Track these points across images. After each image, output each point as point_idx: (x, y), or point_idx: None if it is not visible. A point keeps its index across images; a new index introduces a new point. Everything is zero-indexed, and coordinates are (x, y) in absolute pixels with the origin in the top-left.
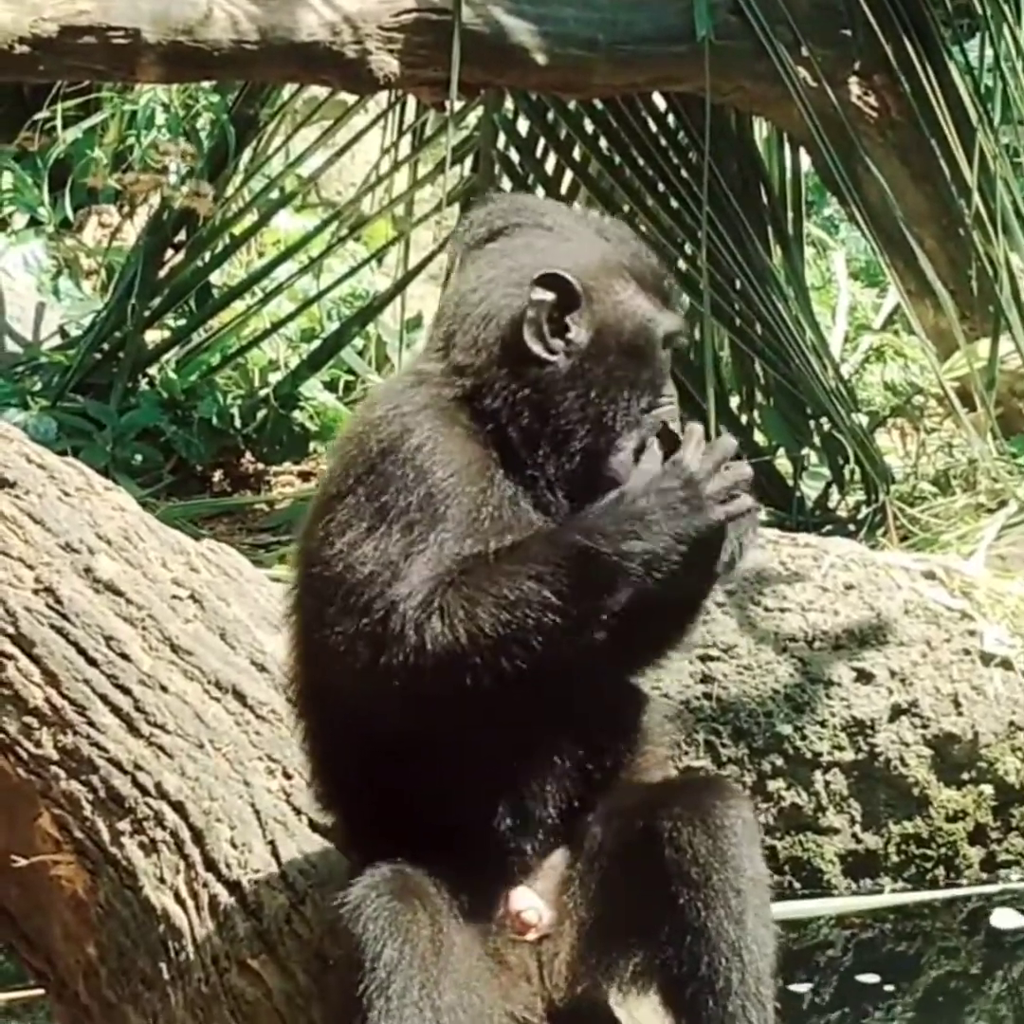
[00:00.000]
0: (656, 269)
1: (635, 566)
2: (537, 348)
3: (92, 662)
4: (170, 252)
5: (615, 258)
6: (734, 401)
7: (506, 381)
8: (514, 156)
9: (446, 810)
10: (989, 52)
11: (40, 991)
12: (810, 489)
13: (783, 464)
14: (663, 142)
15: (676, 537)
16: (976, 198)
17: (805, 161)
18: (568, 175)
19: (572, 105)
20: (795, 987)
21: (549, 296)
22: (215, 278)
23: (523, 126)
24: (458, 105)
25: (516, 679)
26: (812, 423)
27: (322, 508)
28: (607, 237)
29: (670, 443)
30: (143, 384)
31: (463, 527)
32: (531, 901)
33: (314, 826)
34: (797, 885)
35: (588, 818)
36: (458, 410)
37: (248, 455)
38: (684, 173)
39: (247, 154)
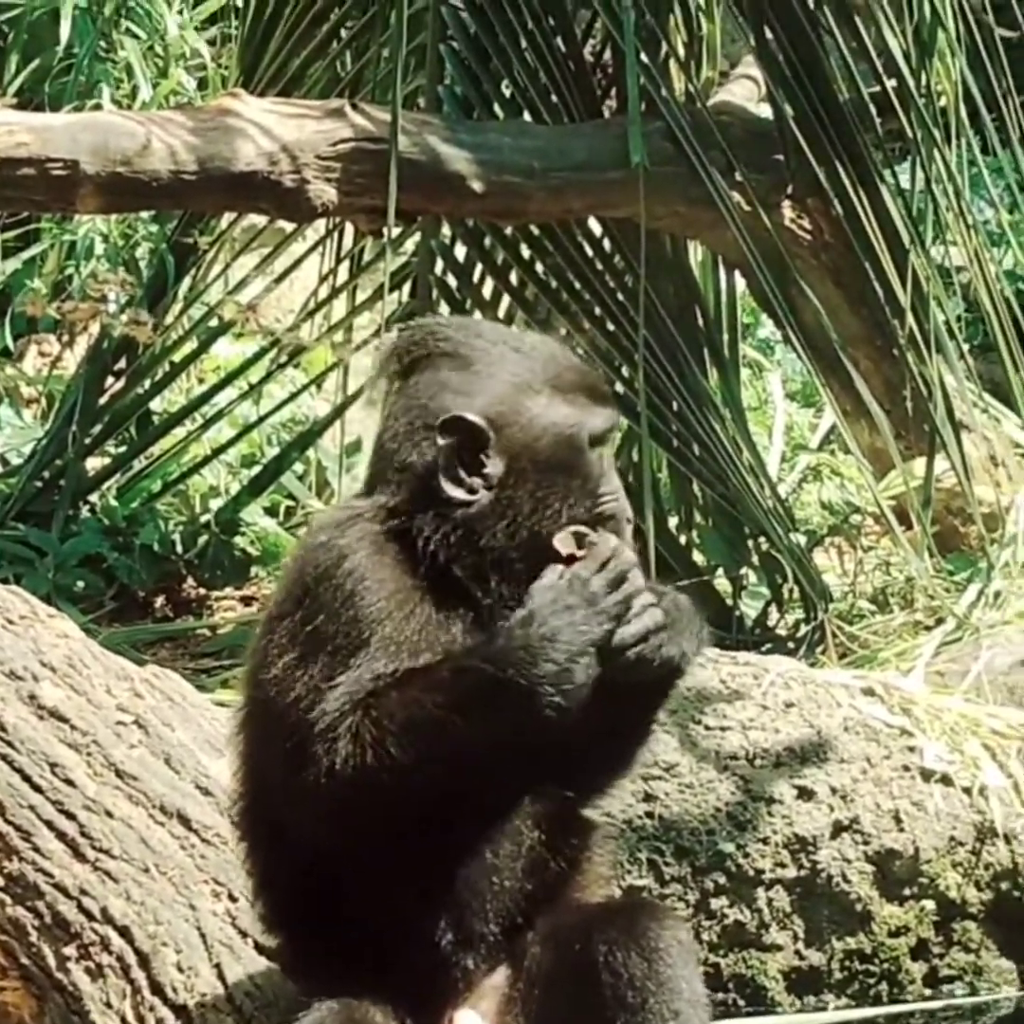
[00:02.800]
0: (577, 370)
1: (546, 689)
2: (456, 492)
3: (37, 788)
4: (110, 380)
5: (526, 375)
6: (672, 521)
7: (434, 522)
8: (452, 281)
9: (385, 928)
10: (919, 174)
11: None
12: (749, 608)
13: (722, 584)
14: (599, 266)
15: (580, 654)
16: (910, 318)
17: (740, 284)
18: (506, 300)
19: (509, 231)
20: None
21: (456, 439)
22: (155, 405)
23: (460, 252)
24: (396, 232)
25: (438, 800)
26: (750, 543)
27: (263, 631)
28: (522, 350)
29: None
30: (84, 511)
31: (385, 652)
32: (474, 1022)
33: (260, 948)
34: (741, 1002)
35: (529, 936)
36: (389, 541)
37: (190, 580)
38: (620, 296)
39: (186, 282)
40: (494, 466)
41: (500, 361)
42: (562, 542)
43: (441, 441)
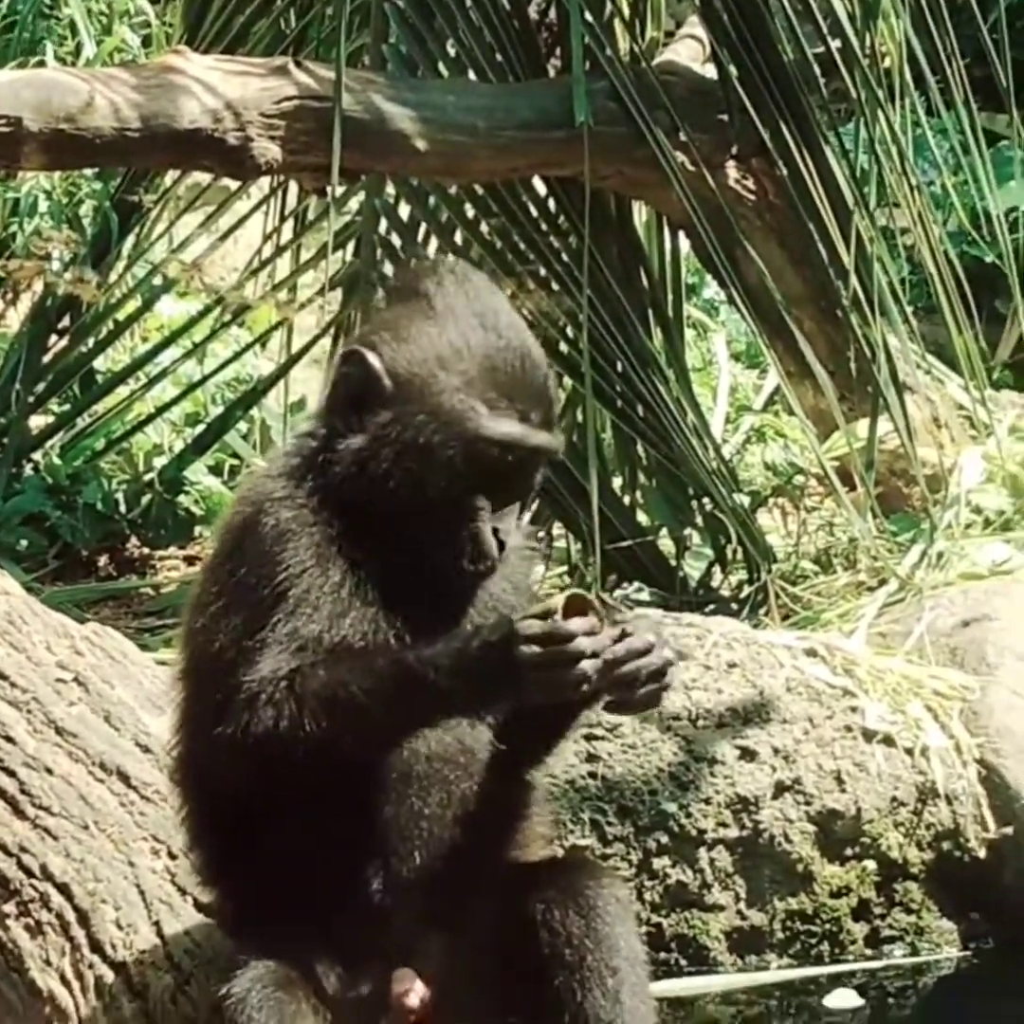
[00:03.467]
0: (525, 382)
1: (475, 701)
2: (337, 421)
3: None
4: (54, 338)
5: (468, 352)
6: (617, 482)
7: (322, 451)
8: (396, 241)
9: (316, 882)
10: (864, 135)
11: None
12: (693, 569)
13: (666, 544)
14: (543, 226)
15: (492, 696)
16: (853, 280)
17: (684, 244)
18: (450, 259)
19: (453, 190)
20: None
21: (352, 374)
22: (99, 364)
23: (405, 211)
24: (340, 191)
25: (354, 760)
26: (694, 503)
27: (197, 584)
28: (487, 327)
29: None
30: (27, 470)
31: (305, 607)
32: (411, 983)
33: (198, 905)
34: (683, 962)
35: (467, 897)
36: (309, 482)
37: (133, 540)
38: (565, 257)
39: (130, 240)
40: (380, 416)
41: (454, 326)
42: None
43: (340, 369)
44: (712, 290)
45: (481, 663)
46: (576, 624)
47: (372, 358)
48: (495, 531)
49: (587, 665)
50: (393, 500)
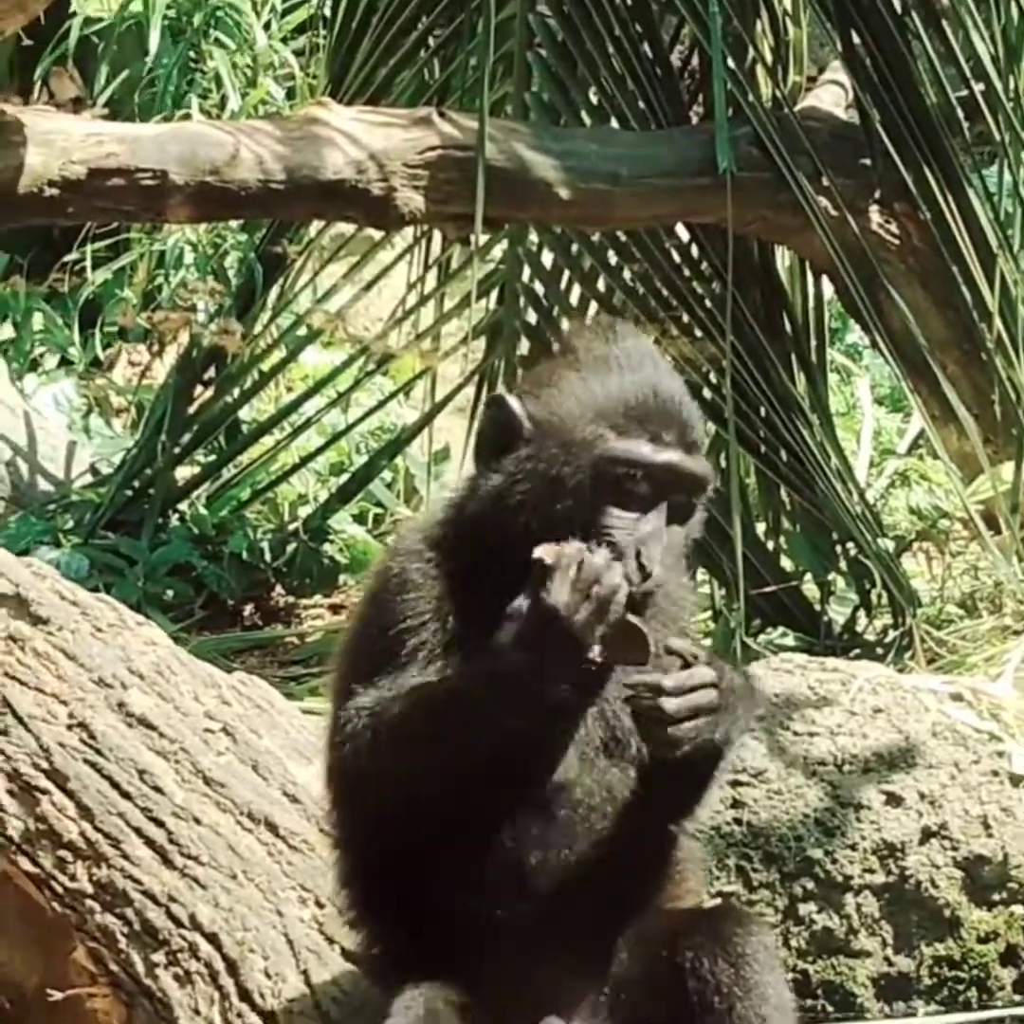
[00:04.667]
0: (650, 401)
1: (512, 716)
2: (479, 465)
3: (126, 795)
4: (199, 389)
5: (601, 387)
6: (760, 528)
7: (463, 497)
8: (539, 288)
9: (464, 930)
10: (1008, 178)
11: None
12: (837, 614)
13: (810, 589)
14: (686, 272)
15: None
16: (997, 323)
17: (828, 289)
18: (593, 307)
19: (596, 237)
20: None
21: (494, 415)
22: (244, 414)
23: (548, 258)
24: (483, 239)
25: (466, 803)
26: (838, 548)
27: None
28: (622, 365)
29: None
30: (174, 520)
31: (415, 660)
32: None
33: (346, 954)
34: (830, 1009)
35: (614, 944)
36: (440, 535)
37: (278, 589)
38: (707, 303)
39: (274, 291)
40: (517, 454)
41: (593, 369)
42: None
43: (484, 415)
44: (855, 334)
45: (510, 665)
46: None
47: (512, 401)
48: (637, 555)
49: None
50: (525, 534)
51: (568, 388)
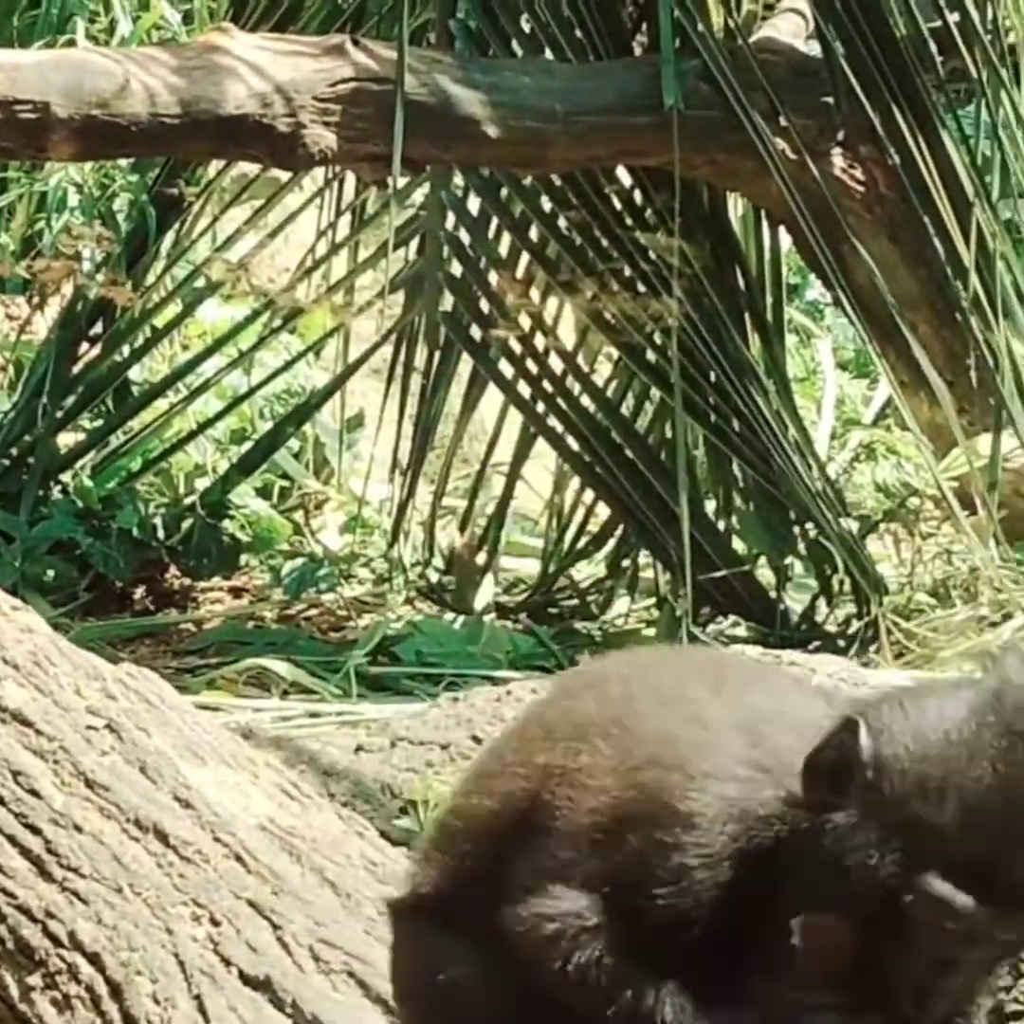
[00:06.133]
0: (1002, 848)
1: None
2: (804, 793)
3: None
4: (85, 347)
5: (968, 807)
6: (710, 506)
7: (778, 806)
8: (465, 237)
9: None
10: (985, 119)
11: None
12: (795, 602)
13: (765, 574)
14: (628, 221)
15: None
16: (974, 279)
17: (785, 240)
18: (525, 258)
19: (528, 181)
20: None
21: (838, 742)
22: (134, 375)
23: (474, 204)
24: (402, 182)
25: None
26: (796, 529)
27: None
28: (1008, 782)
29: None
30: (56, 492)
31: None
32: None
33: (245, 978)
34: None
35: None
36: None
37: (172, 570)
38: (652, 255)
39: (169, 238)
40: (843, 801)
41: (974, 734)
42: (798, 927)
43: (833, 732)
44: (816, 291)
45: None
46: None
47: (866, 738)
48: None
49: None
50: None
51: (936, 743)
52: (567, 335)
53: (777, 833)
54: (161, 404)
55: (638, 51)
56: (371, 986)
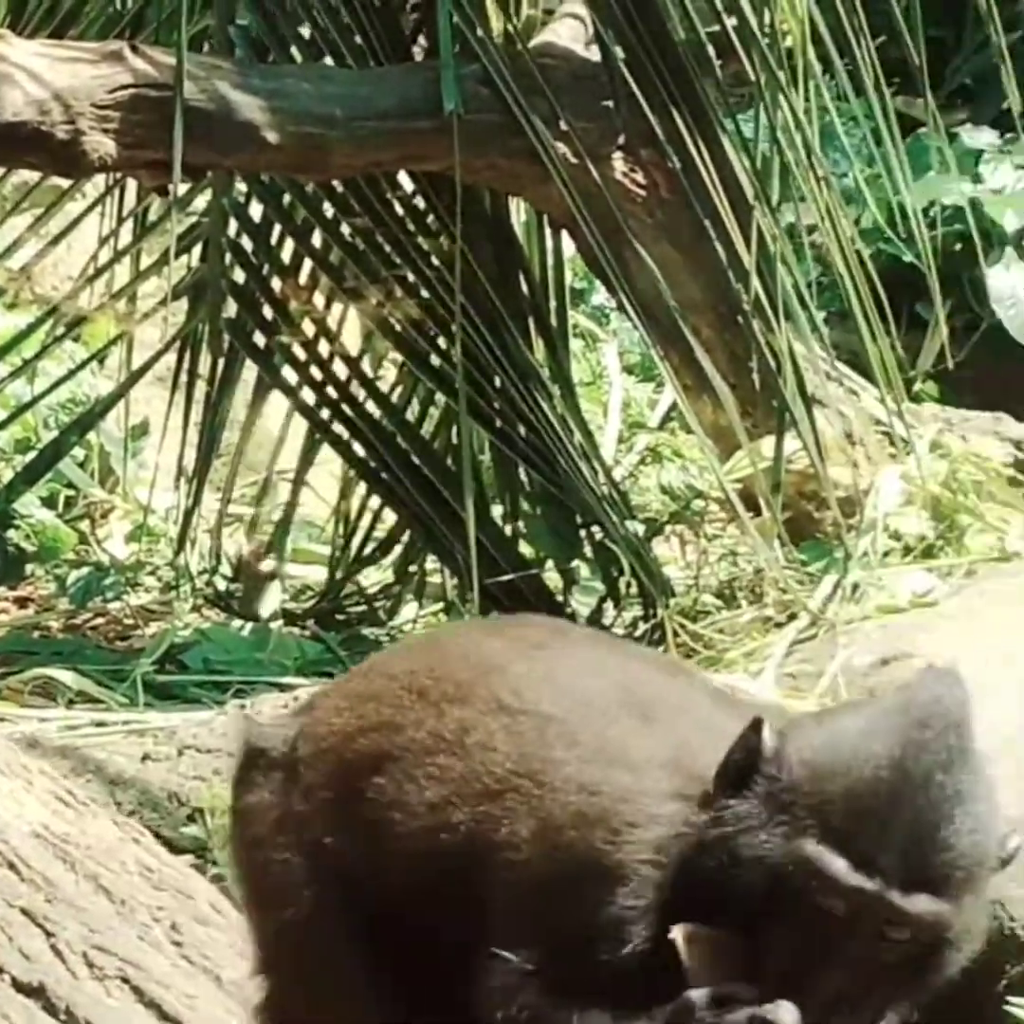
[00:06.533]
0: (884, 830)
1: None
2: (713, 791)
3: None
4: None
5: (858, 790)
6: (497, 510)
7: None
8: (247, 244)
9: None
10: (765, 124)
11: None
12: (582, 605)
13: (552, 577)
14: (411, 227)
15: None
16: (755, 283)
17: (568, 245)
18: (308, 264)
19: (310, 187)
20: None
21: (746, 741)
22: None
23: (256, 211)
24: (183, 189)
25: None
26: (583, 532)
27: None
28: (899, 772)
29: None
30: None
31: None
32: None
33: (17, 985)
34: None
35: None
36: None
37: None
38: (435, 260)
39: None
40: (747, 795)
41: (883, 738)
42: (682, 939)
43: (741, 733)
44: (602, 296)
45: None
46: None
47: (768, 735)
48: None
49: None
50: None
51: (846, 744)
52: (351, 341)
53: (701, 852)
54: None
55: (418, 56)
56: (145, 991)
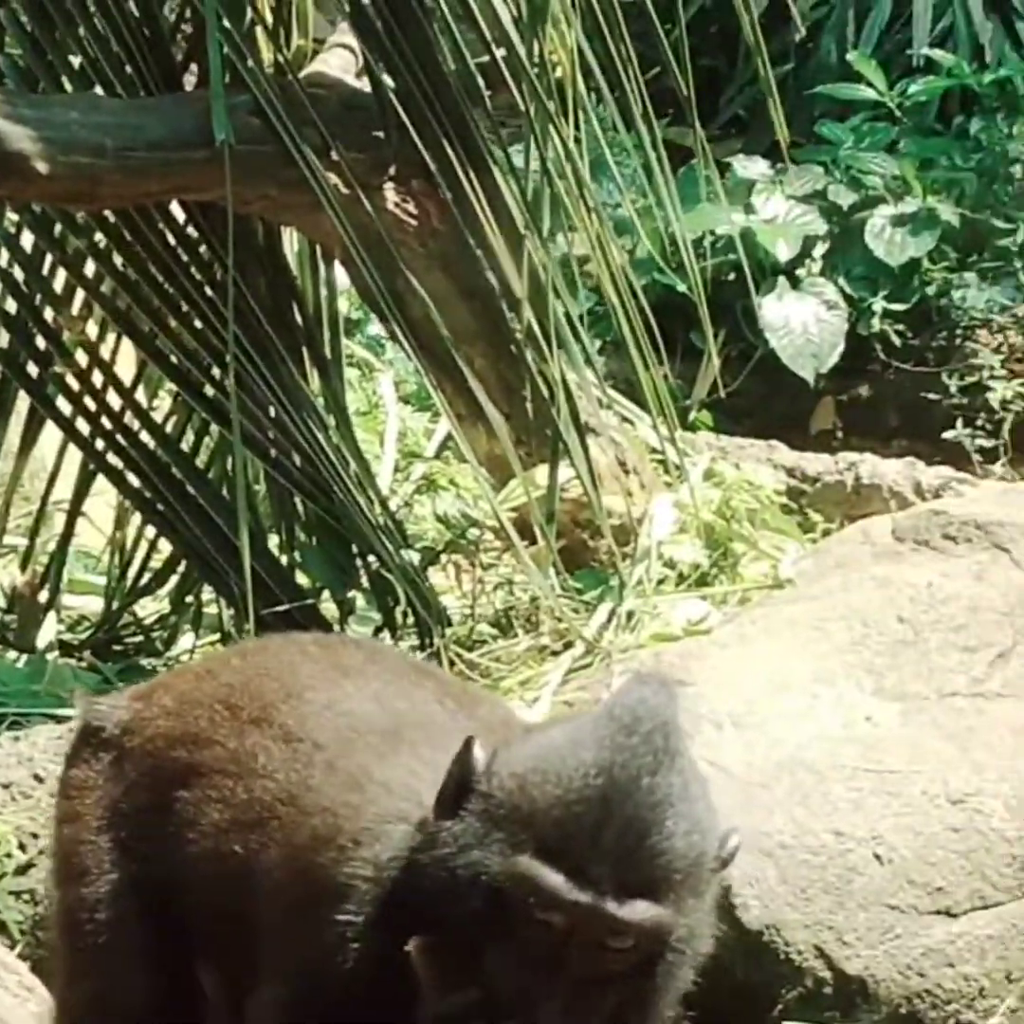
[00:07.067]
0: (596, 837)
1: None
2: (434, 812)
3: None
4: None
5: (567, 799)
6: (273, 540)
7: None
8: (18, 274)
9: None
10: (535, 154)
11: None
12: (358, 635)
13: (329, 607)
14: (184, 257)
15: None
16: (527, 312)
17: (342, 275)
18: (80, 294)
19: (81, 217)
20: None
21: (461, 760)
22: None
23: (27, 241)
24: None
25: None
26: (359, 562)
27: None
28: (606, 777)
29: None
30: None
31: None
32: None
33: None
34: None
35: None
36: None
37: None
38: (208, 290)
39: None
40: (458, 815)
41: (586, 753)
42: (415, 951)
43: (460, 752)
44: (377, 326)
45: None
46: None
47: (479, 752)
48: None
49: None
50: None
51: (533, 754)
52: (126, 371)
53: (423, 872)
54: None
55: (190, 86)
56: None
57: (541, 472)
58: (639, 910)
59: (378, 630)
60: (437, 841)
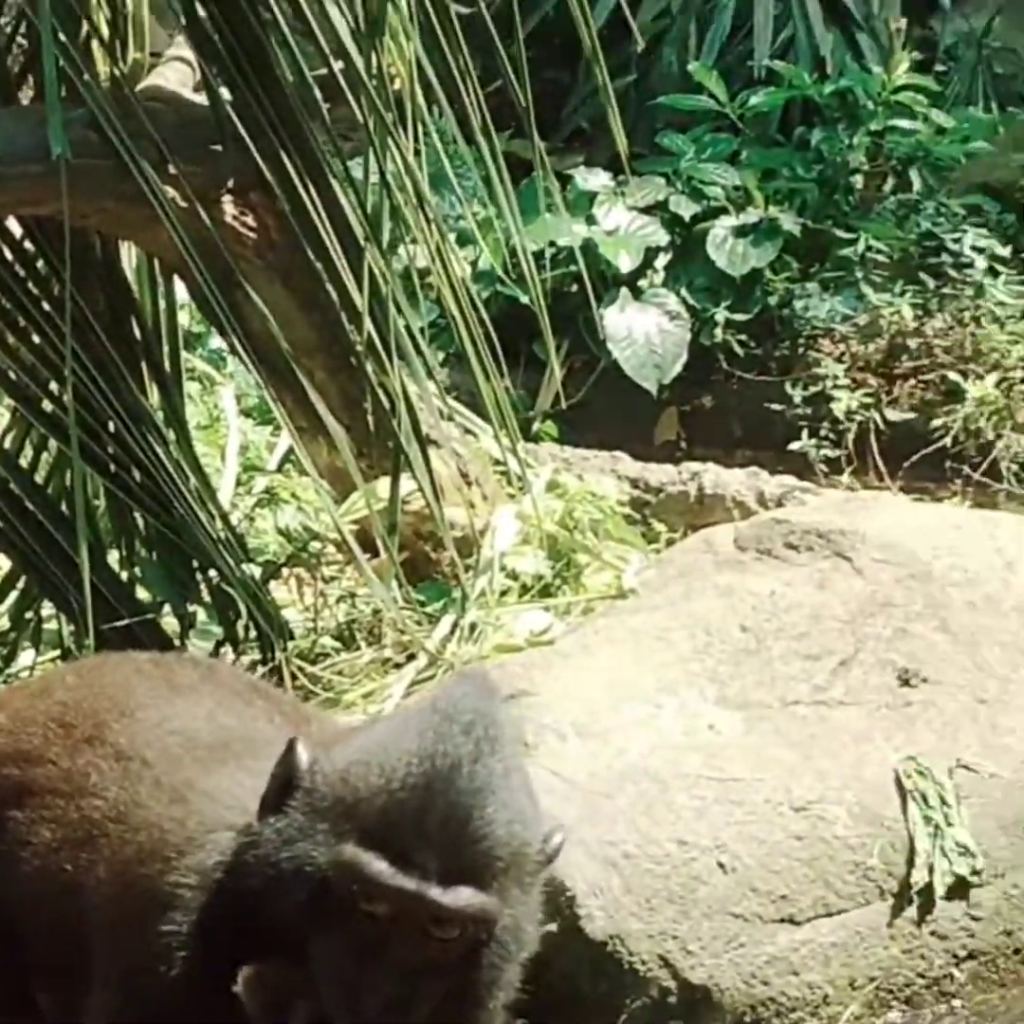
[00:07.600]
0: (419, 824)
1: None
2: (259, 815)
3: None
4: None
5: (390, 787)
6: (113, 555)
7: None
8: None
9: None
10: (375, 166)
11: None
12: (200, 649)
13: (170, 622)
14: (21, 272)
15: None
16: (368, 324)
17: (181, 289)
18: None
19: None
20: None
21: (286, 761)
22: None
23: None
24: None
25: None
26: (199, 576)
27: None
28: (428, 764)
29: None
30: None
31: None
32: None
33: None
34: None
35: None
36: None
37: None
38: (45, 305)
39: None
40: (281, 813)
41: (407, 749)
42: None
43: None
44: (218, 340)
45: None
46: None
47: (303, 752)
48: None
49: None
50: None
51: (356, 748)
52: None
53: (249, 874)
54: None
55: (26, 100)
56: None
57: (383, 484)
58: (463, 897)
59: (219, 644)
60: (261, 840)
